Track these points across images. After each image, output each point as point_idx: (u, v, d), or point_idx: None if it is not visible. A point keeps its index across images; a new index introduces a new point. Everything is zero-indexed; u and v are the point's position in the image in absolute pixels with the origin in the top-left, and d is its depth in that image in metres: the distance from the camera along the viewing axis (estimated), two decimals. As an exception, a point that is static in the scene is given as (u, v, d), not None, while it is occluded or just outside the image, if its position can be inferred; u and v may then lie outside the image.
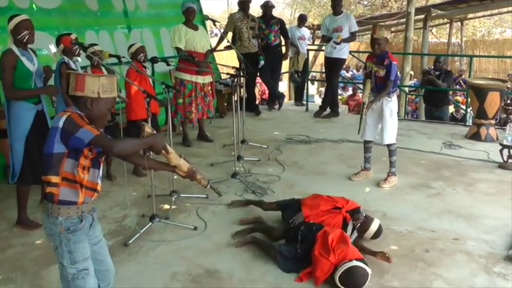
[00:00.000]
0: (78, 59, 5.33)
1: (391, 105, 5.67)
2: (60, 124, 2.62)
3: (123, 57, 5.10)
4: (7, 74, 4.43)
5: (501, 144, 6.46)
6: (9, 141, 4.68)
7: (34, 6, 6.76)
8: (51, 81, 5.06)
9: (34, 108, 4.62)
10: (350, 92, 17.47)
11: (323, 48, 10.50)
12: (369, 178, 6.05)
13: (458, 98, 14.03)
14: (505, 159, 6.40)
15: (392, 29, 16.99)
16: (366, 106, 5.70)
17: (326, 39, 8.92)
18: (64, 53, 5.11)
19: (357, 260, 3.77)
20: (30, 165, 4.63)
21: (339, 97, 16.36)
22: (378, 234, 4.44)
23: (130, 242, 4.47)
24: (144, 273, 4.03)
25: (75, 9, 7.52)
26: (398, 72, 5.91)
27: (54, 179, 2.68)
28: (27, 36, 4.49)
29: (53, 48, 5.63)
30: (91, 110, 2.71)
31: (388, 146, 5.81)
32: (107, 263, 3.09)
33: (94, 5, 7.88)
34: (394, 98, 5.74)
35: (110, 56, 4.80)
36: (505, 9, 18.81)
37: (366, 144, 6.03)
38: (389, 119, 5.68)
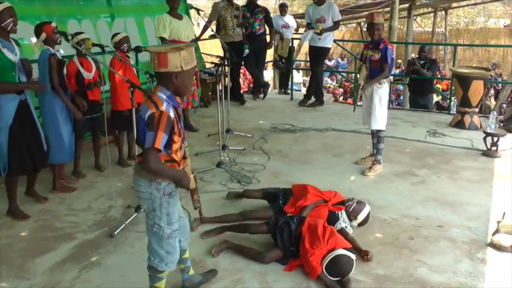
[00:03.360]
0: (61, 50, 5.25)
1: (380, 91, 5.70)
2: (145, 117, 2.82)
3: (107, 46, 5.04)
4: None
5: (485, 132, 6.53)
6: None
7: (15, -6, 6.61)
8: (35, 74, 4.94)
9: (17, 98, 4.53)
10: (335, 81, 17.66)
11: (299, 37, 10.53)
12: (356, 166, 6.09)
13: (438, 85, 14.11)
14: (489, 147, 6.46)
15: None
16: (361, 87, 5.79)
17: (311, 27, 8.90)
18: (46, 43, 4.97)
19: (344, 248, 3.80)
20: (17, 156, 4.59)
21: (331, 86, 16.65)
22: (365, 221, 4.49)
23: (115, 233, 4.45)
24: (129, 263, 4.01)
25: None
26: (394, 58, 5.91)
27: None
28: (11, 25, 4.41)
29: (33, 39, 5.51)
30: (176, 83, 2.90)
31: (377, 132, 5.84)
32: (185, 219, 3.42)
33: (77, -6, 7.80)
34: (386, 85, 5.76)
35: (93, 45, 4.75)
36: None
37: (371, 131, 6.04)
38: (378, 105, 5.71)
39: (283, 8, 10.87)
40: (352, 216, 4.44)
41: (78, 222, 4.75)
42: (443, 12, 20.42)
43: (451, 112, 9.05)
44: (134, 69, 5.90)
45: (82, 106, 5.30)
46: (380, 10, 14.91)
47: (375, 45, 5.69)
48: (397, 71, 15.12)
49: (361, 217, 4.46)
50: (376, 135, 5.89)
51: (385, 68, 5.61)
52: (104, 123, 5.35)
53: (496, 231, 4.35)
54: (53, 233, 4.55)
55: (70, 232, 4.57)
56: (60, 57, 5.04)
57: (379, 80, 5.65)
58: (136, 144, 3.09)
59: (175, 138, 2.92)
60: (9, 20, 4.40)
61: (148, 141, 2.78)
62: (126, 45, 5.85)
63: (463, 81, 7.70)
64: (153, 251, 3.15)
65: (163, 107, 2.82)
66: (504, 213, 4.58)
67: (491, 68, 13.52)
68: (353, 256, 3.77)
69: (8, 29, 4.42)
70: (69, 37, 4.95)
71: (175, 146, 2.94)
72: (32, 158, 4.71)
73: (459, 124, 7.78)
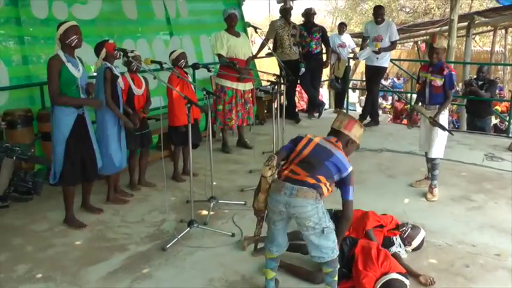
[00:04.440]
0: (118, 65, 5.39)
1: (441, 118, 5.54)
2: (348, 171, 3.36)
3: (165, 63, 5.16)
4: (53, 80, 4.54)
5: (546, 158, 6.30)
6: (52, 143, 4.82)
7: (72, 17, 6.75)
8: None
9: (75, 112, 4.71)
10: (390, 101, 17.44)
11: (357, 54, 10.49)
12: (410, 189, 5.99)
13: (497, 107, 13.73)
14: (550, 173, 6.23)
15: (435, 38, 16.78)
16: (430, 122, 5.54)
17: (367, 42, 8.87)
18: (105, 59, 5.14)
19: (399, 273, 3.73)
20: (71, 166, 4.76)
21: (387, 106, 16.44)
22: (420, 246, 4.40)
23: (168, 246, 4.51)
24: (181, 278, 4.06)
25: (114, 19, 7.70)
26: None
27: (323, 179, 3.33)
28: (75, 41, 4.59)
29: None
30: (347, 147, 3.45)
31: (433, 159, 5.71)
32: None
33: (133, 14, 8.03)
34: (446, 111, 5.62)
35: (152, 62, 4.85)
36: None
37: (426, 155, 5.89)
38: (440, 133, 5.55)
39: (342, 27, 10.91)
40: (406, 242, 4.36)
41: (131, 234, 4.85)
42: (503, 31, 19.92)
43: (510, 135, 8.79)
44: (192, 85, 5.99)
45: (135, 122, 5.43)
46: (438, 29, 14.70)
47: (436, 70, 5.50)
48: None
49: (415, 243, 4.37)
50: (430, 160, 5.77)
51: (449, 96, 5.49)
52: (151, 139, 5.45)
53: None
54: (107, 244, 4.66)
55: (123, 243, 4.66)
56: (117, 73, 5.18)
57: (445, 108, 5.51)
58: (301, 167, 3.41)
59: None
60: (74, 37, 4.58)
61: (350, 194, 3.39)
62: (183, 61, 5.96)
63: (524, 104, 7.49)
64: (325, 249, 3.39)
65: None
66: None
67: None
68: (407, 281, 3.69)
69: (73, 44, 4.60)
70: (129, 53, 5.08)
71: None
72: (83, 170, 4.87)
73: (519, 148, 7.55)
